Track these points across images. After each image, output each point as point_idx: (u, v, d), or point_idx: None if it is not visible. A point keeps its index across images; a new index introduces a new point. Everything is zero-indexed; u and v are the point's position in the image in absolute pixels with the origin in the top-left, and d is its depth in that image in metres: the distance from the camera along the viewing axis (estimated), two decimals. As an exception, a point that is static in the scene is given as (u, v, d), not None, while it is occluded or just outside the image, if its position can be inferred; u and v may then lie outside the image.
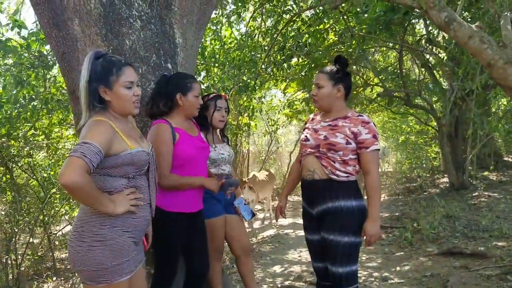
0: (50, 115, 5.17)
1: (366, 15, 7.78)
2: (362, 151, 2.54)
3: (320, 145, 2.61)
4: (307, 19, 7.34)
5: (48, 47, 4.97)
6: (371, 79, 10.34)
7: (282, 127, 11.66)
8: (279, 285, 4.42)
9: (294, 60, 8.18)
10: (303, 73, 8.53)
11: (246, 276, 3.28)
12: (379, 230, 2.51)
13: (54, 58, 5.04)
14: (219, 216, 3.11)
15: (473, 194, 8.77)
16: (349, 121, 2.58)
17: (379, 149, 2.59)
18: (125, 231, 2.00)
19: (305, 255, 5.71)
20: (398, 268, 4.83)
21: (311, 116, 2.93)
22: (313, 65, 8.45)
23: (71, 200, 5.68)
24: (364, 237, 2.53)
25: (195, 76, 3.44)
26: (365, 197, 2.60)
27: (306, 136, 2.75)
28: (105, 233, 1.94)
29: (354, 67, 9.62)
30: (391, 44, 9.73)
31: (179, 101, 2.68)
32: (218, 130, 3.32)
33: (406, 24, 8.53)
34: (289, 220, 8.41)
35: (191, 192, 2.68)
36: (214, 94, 3.25)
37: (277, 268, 5.12)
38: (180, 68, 3.27)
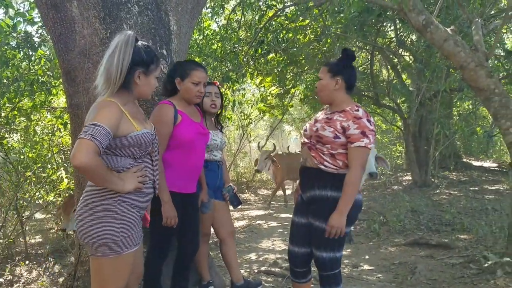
0: (34, 97, 5.11)
1: (342, 15, 8.03)
2: (349, 145, 2.56)
3: (312, 136, 2.72)
4: (290, 15, 7.51)
5: (35, 28, 4.94)
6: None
7: (254, 121, 11.81)
8: (256, 271, 4.57)
9: (271, 55, 8.33)
10: (278, 69, 8.71)
11: (230, 258, 3.40)
12: (341, 223, 2.51)
13: (40, 39, 5.01)
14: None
15: (435, 192, 9.23)
16: (344, 115, 2.60)
17: (366, 147, 2.52)
18: (133, 206, 2.11)
19: (279, 243, 5.90)
20: (367, 257, 5.07)
21: (323, 107, 2.95)
22: (288, 61, 8.67)
23: (46, 185, 5.64)
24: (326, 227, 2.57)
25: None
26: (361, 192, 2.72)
27: (306, 126, 2.87)
28: (116, 208, 2.04)
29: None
30: (360, 44, 10.08)
31: (178, 86, 2.78)
32: (214, 118, 3.42)
33: (379, 26, 8.87)
34: (261, 212, 8.60)
35: (187, 173, 2.78)
36: None
37: (253, 255, 5.27)
38: (174, 54, 3.36)
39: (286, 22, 7.62)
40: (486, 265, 3.73)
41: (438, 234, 5.62)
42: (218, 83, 3.42)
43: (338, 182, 2.59)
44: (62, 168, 5.66)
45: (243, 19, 7.80)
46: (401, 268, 4.48)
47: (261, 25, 7.16)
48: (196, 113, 2.96)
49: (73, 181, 5.70)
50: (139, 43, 2.13)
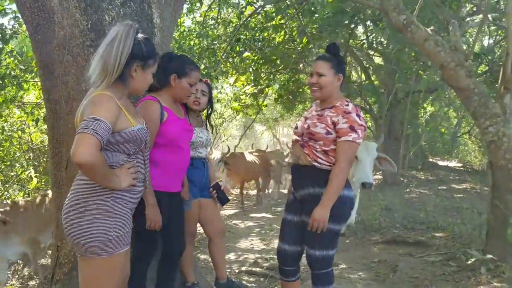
0: (5, 92, 4.83)
1: (316, 15, 8.06)
2: (337, 140, 2.54)
3: (304, 134, 2.69)
4: (270, 12, 7.47)
5: (6, 19, 4.68)
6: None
7: (228, 121, 11.70)
8: (237, 271, 4.50)
9: (246, 53, 8.28)
10: (254, 67, 8.67)
11: (218, 257, 3.30)
12: (324, 217, 2.48)
13: (12, 31, 4.75)
14: (194, 200, 3.12)
15: (405, 190, 9.41)
16: (334, 111, 2.58)
17: (353, 141, 2.50)
18: (126, 203, 2.00)
19: (257, 243, 5.85)
20: (346, 255, 5.08)
21: (312, 104, 2.91)
22: (263, 60, 8.64)
23: (14, 184, 5.37)
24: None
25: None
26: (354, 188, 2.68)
27: (296, 124, 2.83)
28: (109, 205, 1.93)
29: (301, 65, 9.96)
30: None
31: (172, 82, 2.68)
32: (203, 117, 3.34)
33: (352, 27, 8.97)
34: (236, 211, 8.54)
35: (173, 171, 2.69)
36: None
37: (232, 256, 5.19)
38: (157, 48, 3.24)
39: (263, 20, 7.59)
40: (469, 262, 3.79)
41: (414, 232, 5.70)
42: (208, 81, 3.32)
43: None
44: (31, 167, 5.41)
45: (219, 16, 7.72)
46: (381, 266, 4.50)
47: (240, 23, 7.09)
48: (180, 109, 2.87)
49: (44, 180, 5.48)
50: (140, 35, 2.03)
